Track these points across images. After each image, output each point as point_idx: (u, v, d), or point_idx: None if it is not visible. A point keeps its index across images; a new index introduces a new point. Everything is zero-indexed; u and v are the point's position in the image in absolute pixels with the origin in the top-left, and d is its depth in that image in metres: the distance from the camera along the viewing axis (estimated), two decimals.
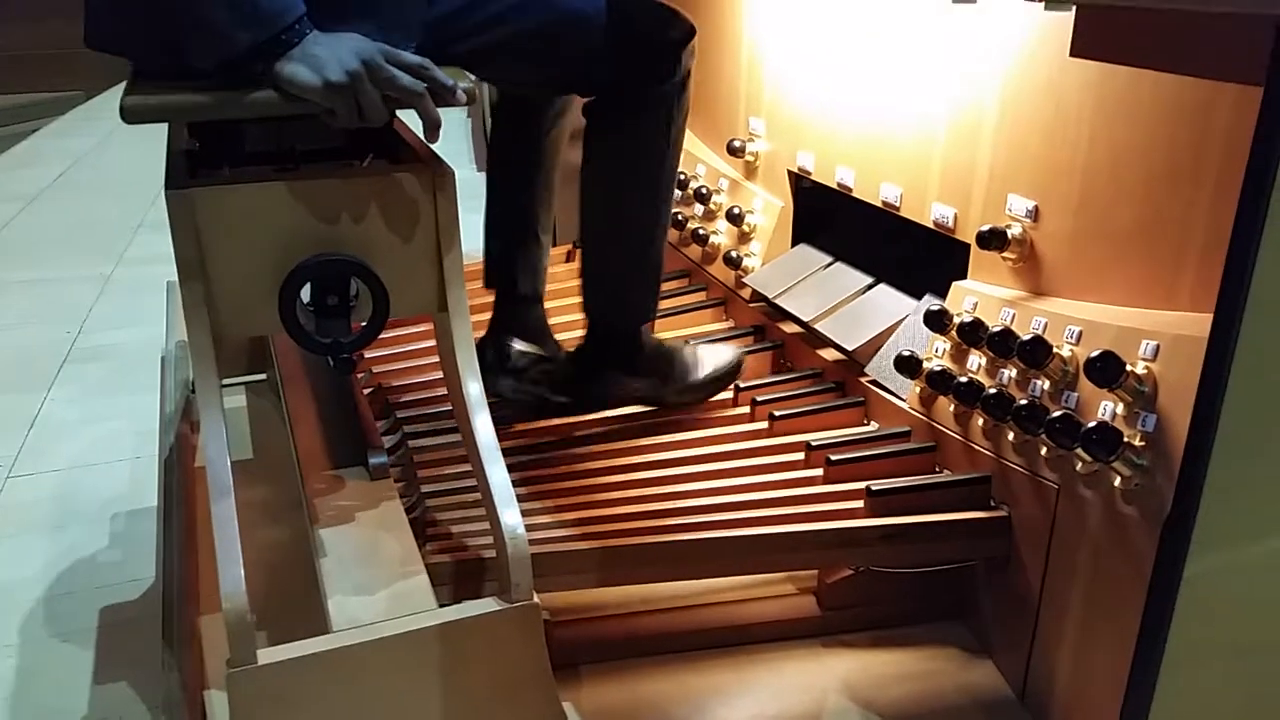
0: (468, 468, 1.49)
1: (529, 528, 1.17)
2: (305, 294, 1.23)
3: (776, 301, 1.86)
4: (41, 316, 3.14)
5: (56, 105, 6.50)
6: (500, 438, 1.22)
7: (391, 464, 1.54)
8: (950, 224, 1.52)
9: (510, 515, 1.12)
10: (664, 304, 2.14)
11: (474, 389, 1.22)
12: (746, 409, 1.70)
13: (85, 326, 3.06)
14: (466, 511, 1.44)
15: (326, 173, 1.24)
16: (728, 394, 1.76)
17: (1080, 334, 1.26)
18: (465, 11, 1.31)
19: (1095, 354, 1.15)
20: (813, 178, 1.88)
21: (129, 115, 1.14)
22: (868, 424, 1.64)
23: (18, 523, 2.06)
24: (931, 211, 1.56)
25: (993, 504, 1.38)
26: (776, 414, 1.63)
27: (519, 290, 1.73)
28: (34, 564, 1.92)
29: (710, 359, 1.72)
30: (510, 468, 1.20)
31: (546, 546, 1.29)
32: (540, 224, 1.74)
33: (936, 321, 1.46)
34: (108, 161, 5.13)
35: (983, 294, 1.44)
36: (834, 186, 1.80)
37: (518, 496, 1.17)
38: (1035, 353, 1.26)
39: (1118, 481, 1.16)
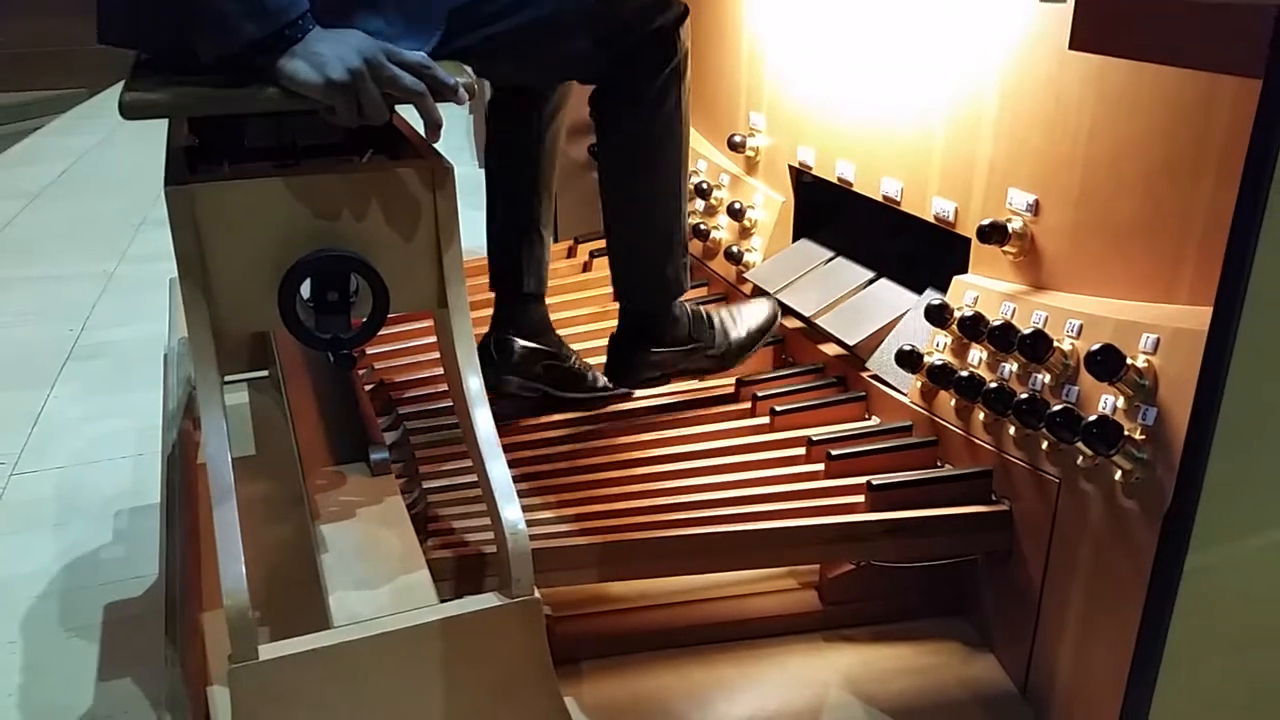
0: (469, 462, 1.49)
1: (530, 523, 1.17)
2: (306, 290, 1.23)
3: (778, 297, 1.86)
4: (44, 314, 3.15)
5: (59, 102, 6.50)
6: (501, 433, 1.22)
7: (393, 459, 1.54)
8: (951, 218, 1.52)
9: (511, 511, 1.12)
10: None
11: (474, 384, 1.22)
12: (748, 404, 1.70)
13: (88, 324, 3.06)
14: (468, 507, 1.44)
15: (326, 168, 1.24)
16: (729, 389, 1.76)
17: (1081, 328, 1.25)
18: (474, 5, 1.30)
19: (1096, 347, 1.15)
20: (813, 172, 1.88)
21: (128, 111, 1.14)
22: (869, 419, 1.64)
23: (21, 520, 2.06)
24: (932, 206, 1.56)
25: (994, 498, 1.38)
26: (778, 409, 1.63)
27: (523, 289, 1.73)
28: (37, 561, 1.92)
29: (746, 316, 1.74)
30: (511, 463, 1.20)
31: (548, 542, 1.29)
32: (541, 220, 1.74)
33: (937, 316, 1.46)
34: (110, 159, 5.13)
35: (983, 288, 1.43)
36: (835, 181, 1.80)
37: (519, 491, 1.17)
38: (1036, 347, 1.26)
39: (1118, 475, 1.16)
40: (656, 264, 1.62)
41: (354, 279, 1.23)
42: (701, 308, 1.72)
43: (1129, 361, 1.14)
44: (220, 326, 1.21)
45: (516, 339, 1.71)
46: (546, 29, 1.38)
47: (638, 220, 1.60)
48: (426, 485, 1.50)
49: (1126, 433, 1.14)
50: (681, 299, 1.68)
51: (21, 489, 2.17)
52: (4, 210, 4.26)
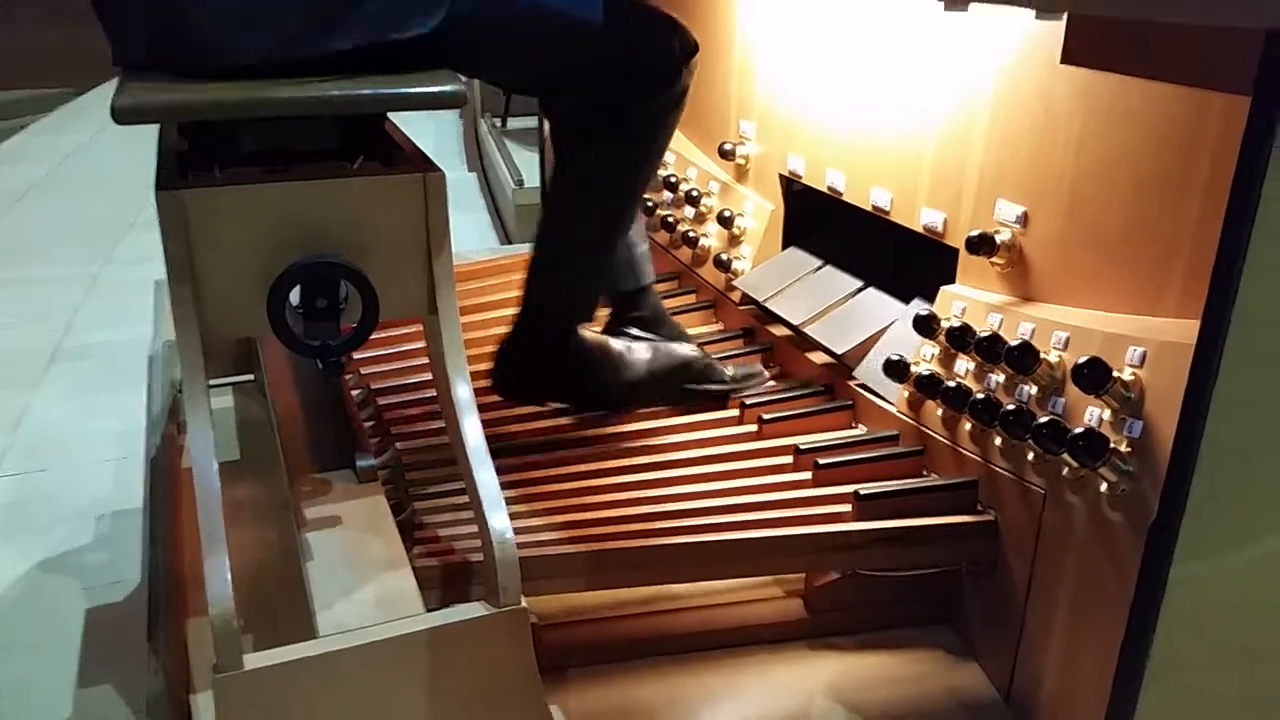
0: (456, 468, 1.49)
1: (517, 530, 1.17)
2: (295, 296, 1.22)
3: (766, 305, 1.87)
4: (29, 315, 3.13)
5: (46, 102, 6.47)
6: (488, 439, 1.22)
7: (379, 465, 1.54)
8: (939, 229, 1.53)
9: (498, 519, 1.12)
10: None
11: (463, 392, 1.21)
12: (736, 411, 1.71)
13: (73, 325, 3.05)
14: (455, 514, 1.43)
15: (317, 175, 1.24)
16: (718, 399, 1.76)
17: (1068, 340, 1.26)
18: (475, 12, 1.30)
19: (1082, 360, 1.16)
20: (803, 181, 1.88)
21: (120, 116, 1.13)
22: (856, 427, 1.65)
23: (2, 523, 2.05)
24: (921, 216, 1.56)
25: (980, 508, 1.39)
26: (765, 417, 1.63)
27: (622, 288, 1.77)
28: (19, 565, 1.91)
29: (658, 358, 1.68)
30: (498, 469, 1.20)
31: (534, 550, 1.29)
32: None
33: (925, 326, 1.46)
34: (97, 159, 5.10)
35: (971, 299, 1.44)
36: (824, 190, 1.81)
37: (506, 499, 1.17)
38: (1023, 358, 1.26)
39: (1104, 487, 1.16)
40: (578, 281, 1.61)
41: (344, 285, 1.23)
42: (603, 343, 1.68)
43: (1115, 374, 1.15)
44: (209, 332, 1.20)
45: (629, 330, 1.75)
46: (552, 35, 1.38)
47: (580, 234, 1.58)
48: (413, 491, 1.50)
49: (1112, 445, 1.15)
50: (589, 326, 1.65)
51: (3, 492, 2.16)
52: None
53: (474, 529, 1.26)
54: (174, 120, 1.32)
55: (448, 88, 1.23)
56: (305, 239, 1.21)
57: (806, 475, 1.49)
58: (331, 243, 1.21)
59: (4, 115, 6.20)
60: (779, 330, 1.87)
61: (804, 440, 1.55)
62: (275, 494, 1.51)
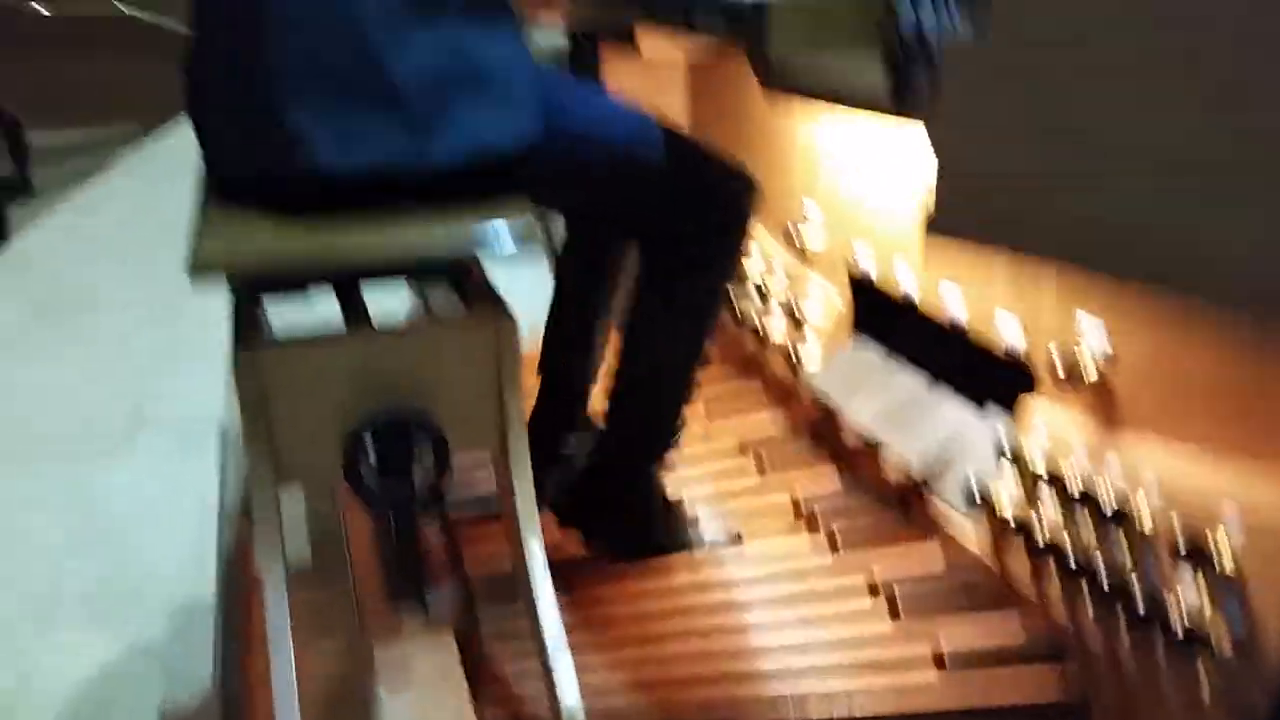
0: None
1: (584, 687, 1.14)
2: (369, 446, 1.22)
3: (838, 409, 1.83)
4: (98, 380, 3.13)
5: (113, 140, 6.55)
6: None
7: (446, 590, 1.53)
8: (1017, 343, 1.47)
9: (570, 695, 1.11)
10: (720, 401, 2.11)
11: (536, 550, 1.20)
12: (804, 526, 1.67)
13: (143, 393, 3.04)
14: (522, 643, 1.41)
15: (391, 328, 1.24)
16: (788, 510, 1.73)
17: (1158, 492, 1.19)
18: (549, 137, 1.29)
19: (1180, 541, 1.10)
20: (870, 276, 1.83)
21: (196, 274, 1.14)
22: (931, 541, 1.59)
23: (72, 612, 2.03)
24: (997, 321, 1.51)
25: (1067, 674, 1.31)
26: (839, 535, 1.60)
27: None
28: (97, 654, 1.90)
29: (708, 529, 1.68)
30: (557, 589, 1.18)
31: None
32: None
33: (1007, 454, 1.42)
34: (167, 206, 5.14)
35: (1054, 429, 1.38)
36: (893, 289, 1.76)
37: (568, 635, 1.15)
38: (1116, 519, 1.21)
39: (1203, 677, 1.11)
40: (655, 422, 1.61)
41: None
42: (670, 499, 1.68)
43: (1212, 546, 1.09)
44: (284, 478, 1.21)
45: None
46: (616, 167, 1.39)
47: (653, 378, 1.58)
48: (482, 619, 1.48)
49: (1211, 635, 1.09)
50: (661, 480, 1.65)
51: (79, 576, 2.15)
52: (55, 263, 4.29)
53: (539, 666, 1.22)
54: (251, 273, 1.32)
55: (518, 234, 1.20)
56: (379, 389, 1.21)
57: (883, 611, 1.45)
58: (405, 392, 1.21)
59: (70, 156, 6.29)
60: (850, 438, 1.81)
61: (881, 568, 1.51)
62: (345, 616, 1.51)
